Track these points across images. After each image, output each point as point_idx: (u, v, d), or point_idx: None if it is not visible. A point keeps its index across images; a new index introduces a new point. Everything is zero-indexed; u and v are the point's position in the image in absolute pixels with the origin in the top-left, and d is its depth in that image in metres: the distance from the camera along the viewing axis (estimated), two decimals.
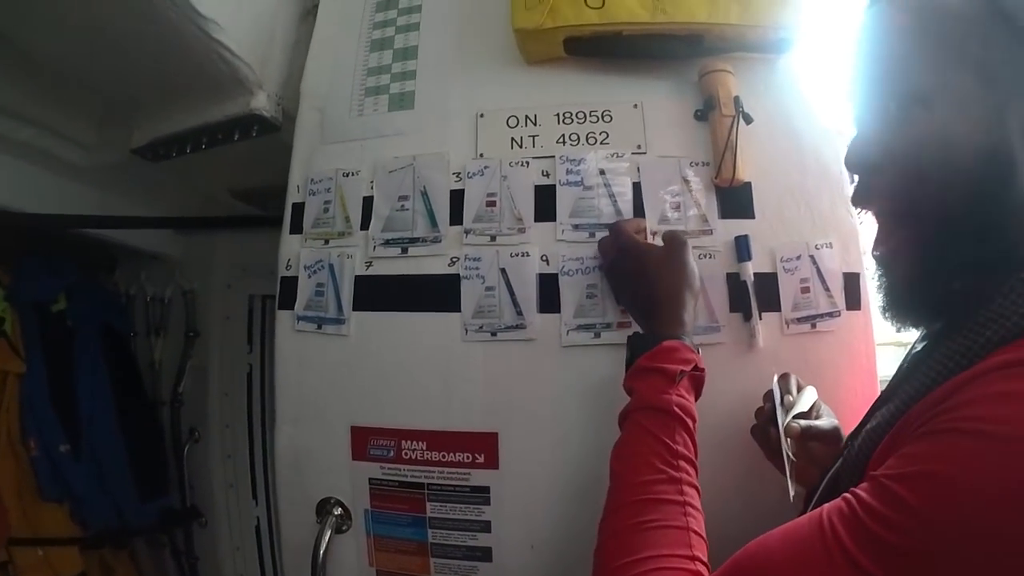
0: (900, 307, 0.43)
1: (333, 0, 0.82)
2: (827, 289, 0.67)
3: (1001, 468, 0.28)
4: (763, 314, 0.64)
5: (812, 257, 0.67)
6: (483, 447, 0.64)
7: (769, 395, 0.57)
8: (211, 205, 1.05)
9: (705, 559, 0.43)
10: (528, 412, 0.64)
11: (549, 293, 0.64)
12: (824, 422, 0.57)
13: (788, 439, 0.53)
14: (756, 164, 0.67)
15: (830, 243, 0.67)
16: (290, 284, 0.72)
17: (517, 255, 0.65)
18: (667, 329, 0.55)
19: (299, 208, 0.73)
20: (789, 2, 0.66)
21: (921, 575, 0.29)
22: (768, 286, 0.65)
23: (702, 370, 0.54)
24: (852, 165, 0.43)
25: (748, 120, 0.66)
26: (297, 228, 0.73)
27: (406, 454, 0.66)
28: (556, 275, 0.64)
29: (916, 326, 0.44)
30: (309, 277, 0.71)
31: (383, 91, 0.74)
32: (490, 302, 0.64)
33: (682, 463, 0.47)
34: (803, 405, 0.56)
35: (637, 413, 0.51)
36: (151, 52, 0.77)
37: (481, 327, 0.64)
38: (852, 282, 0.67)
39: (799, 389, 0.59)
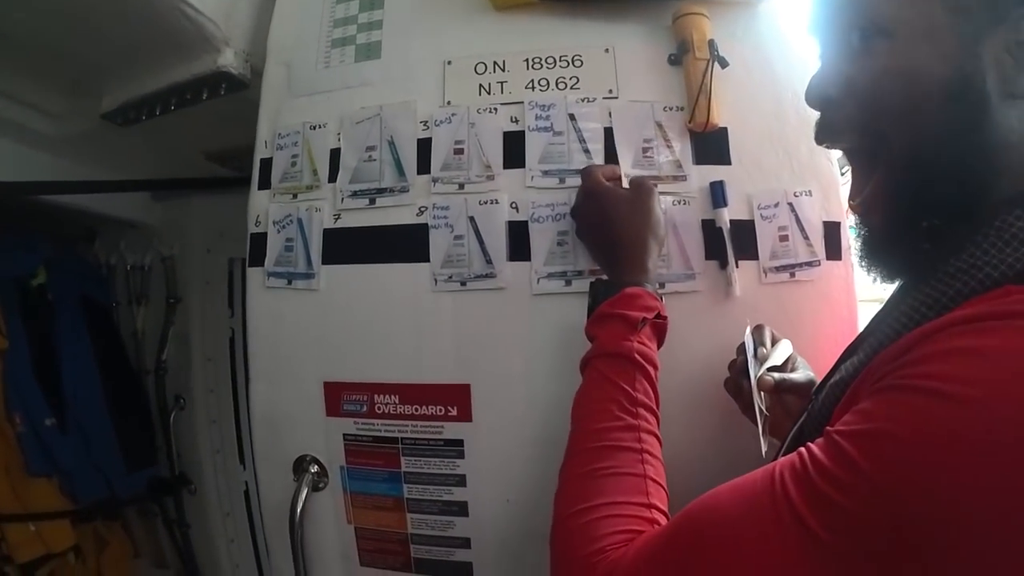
0: (876, 256, 0.41)
1: None
2: (806, 238, 0.64)
3: (954, 432, 0.26)
4: (740, 262, 0.62)
5: (791, 205, 0.64)
6: (456, 399, 0.62)
7: (742, 348, 0.55)
8: (185, 169, 1.02)
9: (664, 508, 0.41)
10: (500, 363, 0.62)
11: (519, 241, 0.61)
12: (799, 375, 0.55)
13: (761, 392, 0.51)
14: (732, 110, 0.64)
15: (809, 191, 0.64)
16: (260, 241, 0.69)
17: (486, 203, 0.62)
18: (630, 275, 0.53)
19: (267, 163, 0.70)
20: None
21: (866, 537, 0.27)
22: (745, 234, 0.62)
23: (665, 318, 0.52)
24: (811, 100, 0.41)
25: (723, 64, 0.63)
26: (265, 183, 0.70)
27: (379, 408, 0.64)
28: (526, 222, 0.61)
29: (892, 277, 0.42)
30: (278, 232, 0.68)
31: (349, 42, 0.70)
32: (459, 251, 0.61)
33: (641, 410, 0.45)
34: (777, 358, 0.54)
35: (597, 360, 0.49)
36: (115, 13, 0.73)
37: (450, 277, 0.62)
38: (832, 231, 0.64)
39: (774, 342, 0.57)
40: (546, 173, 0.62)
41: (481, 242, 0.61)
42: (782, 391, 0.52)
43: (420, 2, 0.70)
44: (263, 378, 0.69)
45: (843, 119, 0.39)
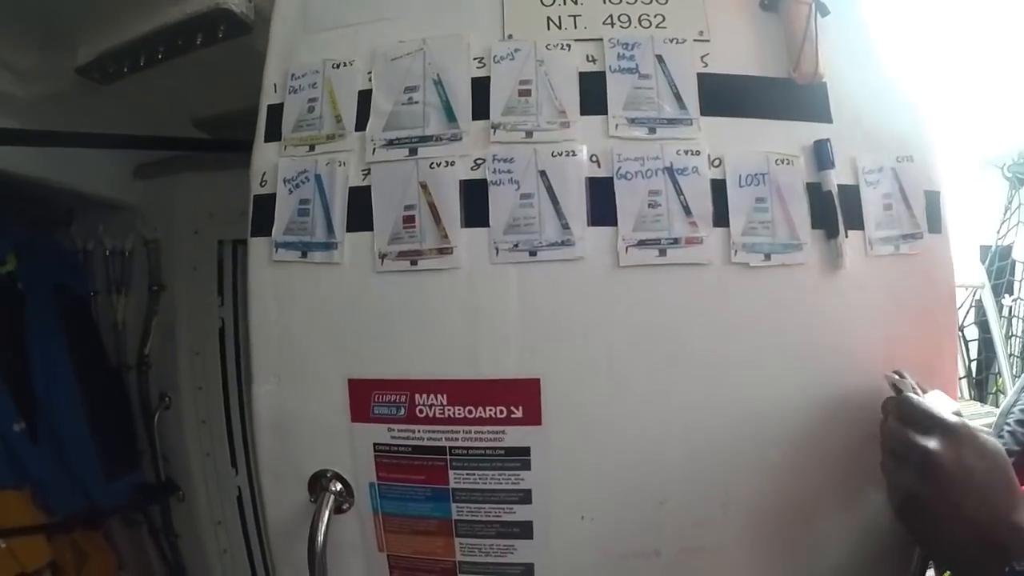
0: None
1: None
2: (909, 208, 0.49)
3: None
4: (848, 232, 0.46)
5: (894, 170, 0.48)
6: (521, 398, 0.43)
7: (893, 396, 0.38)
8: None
9: None
10: (578, 352, 0.43)
11: (602, 201, 0.43)
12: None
13: None
14: (830, 63, 0.48)
15: (911, 156, 0.49)
16: (266, 204, 0.48)
17: (560, 154, 0.43)
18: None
19: (276, 110, 0.49)
20: None
21: None
22: (850, 200, 0.46)
23: None
24: None
25: (824, 11, 0.47)
26: (274, 134, 0.49)
27: (421, 411, 0.44)
28: (611, 179, 0.43)
29: None
30: (290, 193, 0.47)
31: None
32: (527, 213, 0.43)
33: None
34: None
35: None
36: None
37: (516, 245, 0.43)
38: (933, 201, 0.49)
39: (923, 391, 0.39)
40: (633, 121, 0.44)
41: (555, 202, 0.43)
42: None
43: None
44: (270, 376, 0.48)
45: None
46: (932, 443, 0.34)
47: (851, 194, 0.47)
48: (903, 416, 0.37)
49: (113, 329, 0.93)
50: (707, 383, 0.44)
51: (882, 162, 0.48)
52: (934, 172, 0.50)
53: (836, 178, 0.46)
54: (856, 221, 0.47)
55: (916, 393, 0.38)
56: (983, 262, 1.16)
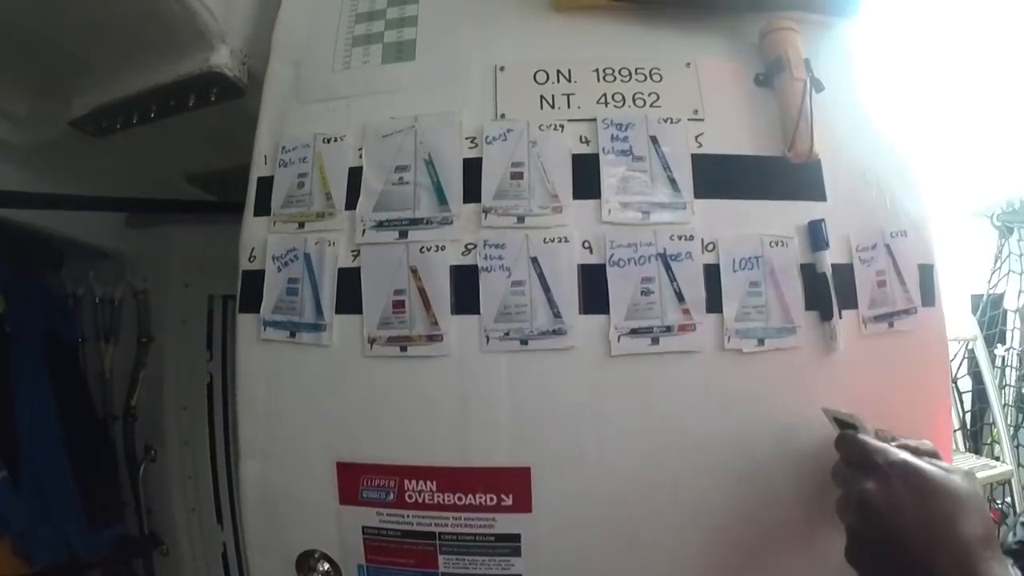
0: None
1: None
2: (903, 283, 0.48)
3: None
4: (841, 312, 0.45)
5: (888, 247, 0.48)
6: (512, 486, 0.42)
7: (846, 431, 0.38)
8: (163, 192, 0.77)
9: None
10: (568, 440, 0.42)
11: (594, 289, 0.42)
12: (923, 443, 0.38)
13: None
14: (823, 139, 0.48)
15: (904, 231, 0.48)
16: (254, 280, 0.47)
17: (552, 240, 0.43)
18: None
19: (266, 183, 0.49)
20: None
21: None
22: (844, 279, 0.46)
23: None
24: None
25: (819, 87, 0.47)
26: (264, 208, 0.48)
27: (411, 497, 0.43)
28: (603, 266, 0.42)
29: None
30: (279, 271, 0.46)
31: (375, 40, 0.50)
32: (518, 301, 0.42)
33: None
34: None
35: None
36: None
37: (507, 333, 0.42)
38: (927, 275, 0.48)
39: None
40: (626, 206, 0.43)
41: (547, 290, 0.42)
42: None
43: None
44: (257, 453, 0.47)
45: None
46: (868, 482, 0.33)
47: (845, 273, 0.46)
48: (845, 455, 0.36)
49: (100, 378, 0.91)
50: (697, 466, 0.43)
51: (876, 238, 0.48)
52: (928, 245, 0.50)
53: (830, 257, 0.46)
54: (850, 300, 0.46)
55: (867, 432, 0.37)
56: (974, 312, 1.16)
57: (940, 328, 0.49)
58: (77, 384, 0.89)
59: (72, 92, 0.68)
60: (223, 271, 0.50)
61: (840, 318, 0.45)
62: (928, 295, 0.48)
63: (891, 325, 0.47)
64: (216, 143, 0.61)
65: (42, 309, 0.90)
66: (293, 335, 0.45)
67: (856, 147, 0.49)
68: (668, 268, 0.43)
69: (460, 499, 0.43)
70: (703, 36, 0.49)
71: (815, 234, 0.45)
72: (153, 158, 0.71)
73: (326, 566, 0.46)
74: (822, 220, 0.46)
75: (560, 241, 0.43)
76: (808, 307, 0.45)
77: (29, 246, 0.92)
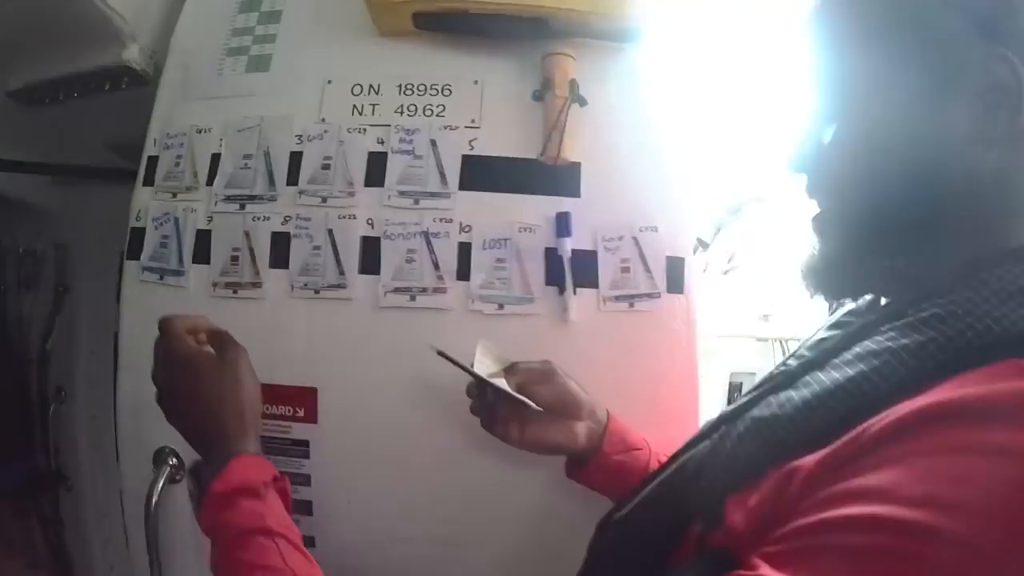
0: (830, 271, 0.49)
1: None
2: (648, 271, 0.84)
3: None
4: (579, 290, 0.82)
5: (635, 239, 0.84)
6: (303, 401, 0.83)
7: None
8: (87, 156, 1.24)
9: None
10: (346, 369, 0.83)
11: (370, 255, 0.82)
12: (534, 364, 0.71)
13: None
14: (589, 146, 0.85)
15: (655, 227, 0.85)
16: (139, 235, 0.91)
17: (344, 217, 0.83)
18: (232, 446, 0.61)
19: (153, 161, 0.92)
20: None
21: None
22: (587, 263, 0.83)
23: (283, 477, 0.62)
24: (789, 167, 0.51)
25: (582, 103, 0.84)
26: (150, 180, 0.92)
27: None
28: (379, 239, 0.82)
29: (841, 296, 0.53)
30: (156, 229, 0.89)
31: (243, 52, 0.92)
32: (316, 261, 0.83)
33: None
34: (488, 363, 0.68)
35: (234, 551, 0.54)
36: None
37: (306, 284, 0.83)
38: (675, 266, 0.84)
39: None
40: (402, 194, 0.83)
41: (336, 254, 0.82)
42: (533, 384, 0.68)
43: (314, 20, 0.92)
44: (131, 368, 0.90)
45: (813, 186, 0.50)
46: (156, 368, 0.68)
47: (589, 258, 0.83)
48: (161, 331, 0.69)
49: (18, 323, 1.41)
50: (445, 400, 0.81)
51: (623, 231, 0.84)
52: (680, 241, 0.85)
53: (574, 244, 0.83)
54: (592, 281, 0.83)
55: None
56: None
57: (688, 314, 0.85)
58: None
59: (9, 67, 1.16)
60: None
61: (575, 293, 0.82)
62: (675, 283, 0.84)
63: (631, 305, 0.84)
64: (132, 118, 1.06)
65: None
66: (162, 278, 0.88)
67: (617, 154, 0.86)
68: (429, 243, 0.82)
69: (267, 409, 0.83)
70: (496, 59, 0.88)
71: (560, 223, 0.83)
72: (79, 126, 1.18)
73: (174, 460, 0.88)
74: (568, 213, 0.83)
75: (350, 218, 0.83)
76: (548, 282, 0.82)
77: None
